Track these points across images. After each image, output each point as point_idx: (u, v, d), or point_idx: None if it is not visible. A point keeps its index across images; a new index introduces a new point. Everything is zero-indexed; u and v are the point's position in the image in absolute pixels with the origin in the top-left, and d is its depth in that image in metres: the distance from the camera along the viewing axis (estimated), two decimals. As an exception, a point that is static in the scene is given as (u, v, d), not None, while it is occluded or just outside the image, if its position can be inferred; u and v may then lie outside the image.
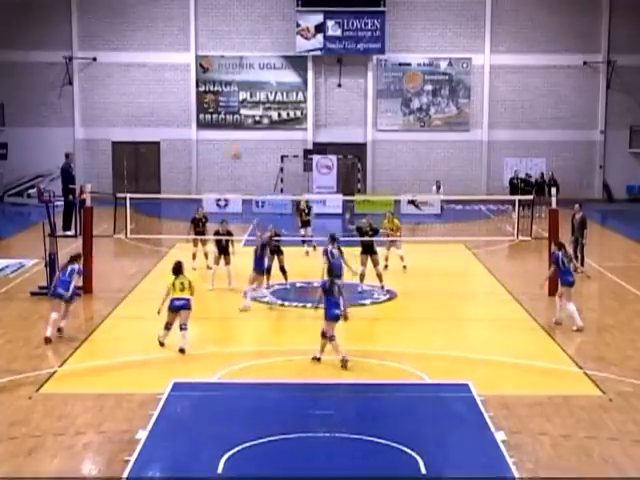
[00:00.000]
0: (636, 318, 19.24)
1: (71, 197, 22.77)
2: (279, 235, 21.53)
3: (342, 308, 15.13)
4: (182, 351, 15.82)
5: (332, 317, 14.95)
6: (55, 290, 16.99)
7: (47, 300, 19.91)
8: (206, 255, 23.15)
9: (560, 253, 18.21)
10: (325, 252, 18.95)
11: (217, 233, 21.71)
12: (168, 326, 16.08)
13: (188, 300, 16.02)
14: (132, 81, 41.56)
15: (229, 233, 21.64)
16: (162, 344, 16.15)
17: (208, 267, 22.40)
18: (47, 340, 16.41)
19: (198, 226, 23.14)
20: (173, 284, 16.08)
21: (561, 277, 18.13)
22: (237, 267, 21.06)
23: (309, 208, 26.26)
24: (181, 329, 15.90)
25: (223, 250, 21.34)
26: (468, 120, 41.97)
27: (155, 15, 41.26)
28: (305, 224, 25.72)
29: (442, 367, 15.23)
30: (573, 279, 18.08)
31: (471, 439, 11.89)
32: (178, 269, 16.29)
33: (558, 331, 17.91)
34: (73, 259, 17.56)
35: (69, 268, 17.21)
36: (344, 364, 14.73)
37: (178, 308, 15.95)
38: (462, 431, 12.13)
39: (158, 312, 16.10)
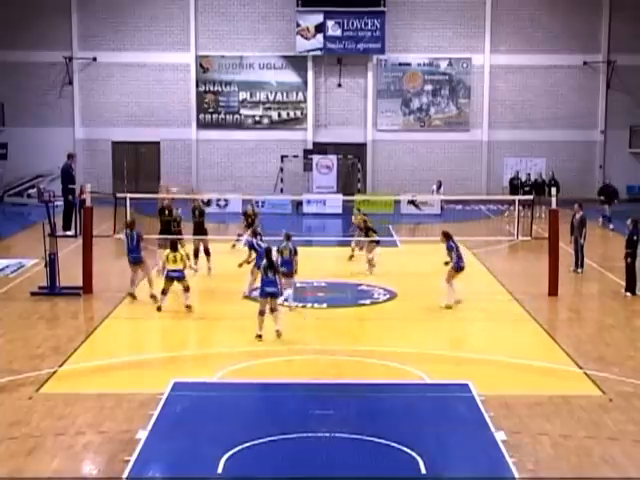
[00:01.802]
0: (636, 318, 19.25)
1: (71, 197, 22.75)
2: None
3: (279, 286, 17.02)
4: (189, 307, 18.75)
5: (263, 294, 16.70)
6: (132, 255, 19.94)
7: (47, 300, 20.01)
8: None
9: (453, 243, 19.55)
10: (251, 244, 20.37)
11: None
12: (165, 292, 18.84)
13: (181, 271, 18.86)
14: (132, 81, 41.52)
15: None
16: (160, 308, 18.71)
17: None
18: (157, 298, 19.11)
19: (163, 214, 23.23)
20: (167, 257, 18.83)
21: (457, 263, 19.45)
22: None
23: (255, 215, 25.33)
24: (185, 291, 18.89)
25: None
26: (468, 120, 41.95)
27: (155, 15, 41.23)
28: (250, 226, 24.37)
29: (442, 367, 15.24)
30: (464, 265, 19.62)
31: (471, 439, 11.89)
32: (174, 245, 19.07)
33: (558, 331, 17.93)
34: (130, 225, 20.16)
35: (135, 236, 19.88)
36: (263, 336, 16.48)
37: (173, 278, 18.83)
38: (462, 431, 12.12)
39: (158, 272, 19.43)
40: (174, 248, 18.98)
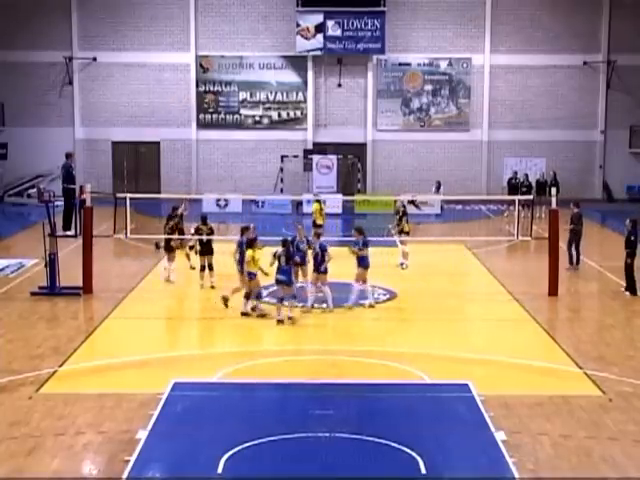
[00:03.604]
0: (636, 318, 19.26)
1: (74, 195, 22.72)
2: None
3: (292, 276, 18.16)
4: (245, 314, 18.28)
5: (276, 282, 18.01)
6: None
7: (47, 300, 20.00)
8: (187, 256, 23.12)
9: (367, 239, 19.71)
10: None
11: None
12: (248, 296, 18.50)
13: (253, 273, 18.41)
14: (132, 81, 41.53)
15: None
16: (263, 314, 18.40)
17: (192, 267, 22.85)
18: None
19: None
20: (252, 257, 18.34)
21: (364, 260, 19.39)
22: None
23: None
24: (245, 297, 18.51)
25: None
26: (468, 120, 41.95)
27: (155, 15, 41.24)
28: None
29: (442, 367, 15.24)
30: (369, 263, 19.48)
31: (471, 439, 11.88)
32: (251, 242, 18.59)
33: (558, 331, 17.93)
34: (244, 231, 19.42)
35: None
36: (283, 320, 17.66)
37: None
38: (462, 431, 12.12)
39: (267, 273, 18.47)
40: (251, 245, 18.46)
